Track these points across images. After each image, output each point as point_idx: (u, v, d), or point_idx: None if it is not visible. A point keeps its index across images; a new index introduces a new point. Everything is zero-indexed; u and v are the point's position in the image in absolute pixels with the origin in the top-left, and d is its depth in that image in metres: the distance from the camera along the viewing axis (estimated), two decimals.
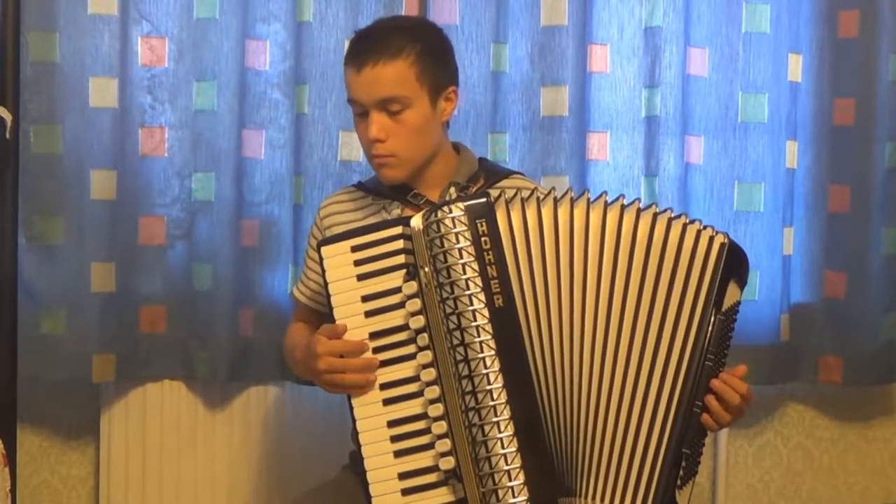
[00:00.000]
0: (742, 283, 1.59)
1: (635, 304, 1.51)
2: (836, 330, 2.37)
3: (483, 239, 1.49)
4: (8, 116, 2.05)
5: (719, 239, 1.54)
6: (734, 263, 1.55)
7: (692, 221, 1.54)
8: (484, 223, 1.50)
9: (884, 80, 2.31)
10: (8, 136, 2.08)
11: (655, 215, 1.53)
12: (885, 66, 2.30)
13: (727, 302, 1.54)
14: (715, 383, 1.52)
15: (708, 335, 1.51)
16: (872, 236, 2.33)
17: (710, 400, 1.52)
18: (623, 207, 1.52)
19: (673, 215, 1.53)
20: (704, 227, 1.54)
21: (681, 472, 1.50)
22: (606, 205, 1.52)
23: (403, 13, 2.20)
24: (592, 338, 1.50)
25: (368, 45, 1.68)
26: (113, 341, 2.18)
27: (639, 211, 1.52)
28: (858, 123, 2.33)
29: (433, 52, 1.70)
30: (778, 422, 2.50)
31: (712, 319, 1.52)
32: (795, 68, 2.32)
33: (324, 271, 1.54)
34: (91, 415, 2.29)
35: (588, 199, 1.53)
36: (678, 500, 1.50)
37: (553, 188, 1.60)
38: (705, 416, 1.52)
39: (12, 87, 2.12)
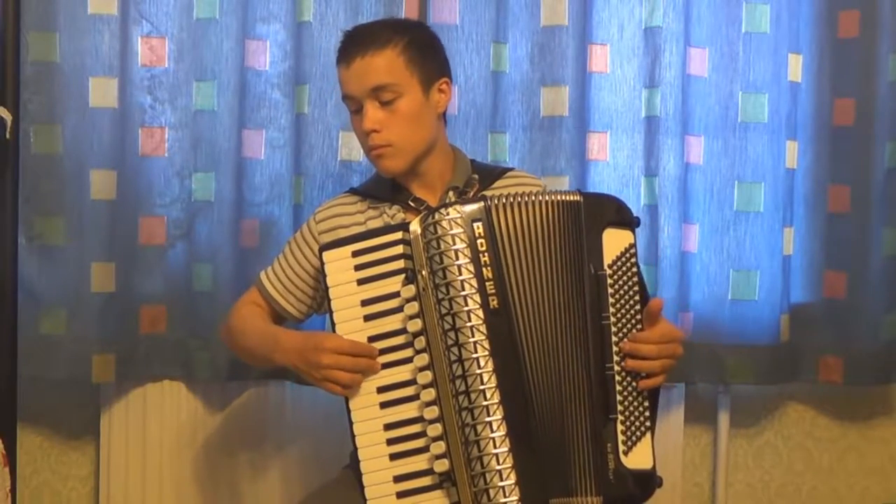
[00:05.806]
0: (626, 225, 1.55)
1: (562, 294, 1.52)
2: (836, 330, 2.36)
3: (479, 241, 1.51)
4: (8, 116, 2.05)
5: (567, 198, 1.54)
6: (599, 212, 1.54)
7: (543, 193, 1.55)
8: (480, 226, 1.51)
9: (884, 80, 2.30)
10: (8, 136, 2.08)
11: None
12: (885, 66, 2.30)
13: (610, 252, 1.53)
14: (622, 345, 1.51)
15: (593, 294, 1.51)
16: (872, 236, 2.32)
17: (628, 362, 1.51)
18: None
19: (534, 195, 1.54)
20: (552, 194, 1.54)
21: (621, 438, 1.49)
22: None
23: (403, 13, 2.20)
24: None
25: (356, 40, 1.71)
26: (113, 341, 2.18)
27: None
28: (858, 123, 2.33)
29: (420, 43, 1.72)
30: (778, 422, 2.50)
31: (592, 277, 1.51)
32: (795, 68, 2.32)
33: (325, 276, 1.55)
34: (91, 415, 2.29)
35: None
36: (626, 464, 1.49)
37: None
38: (641, 381, 1.52)
39: (12, 87, 2.12)
